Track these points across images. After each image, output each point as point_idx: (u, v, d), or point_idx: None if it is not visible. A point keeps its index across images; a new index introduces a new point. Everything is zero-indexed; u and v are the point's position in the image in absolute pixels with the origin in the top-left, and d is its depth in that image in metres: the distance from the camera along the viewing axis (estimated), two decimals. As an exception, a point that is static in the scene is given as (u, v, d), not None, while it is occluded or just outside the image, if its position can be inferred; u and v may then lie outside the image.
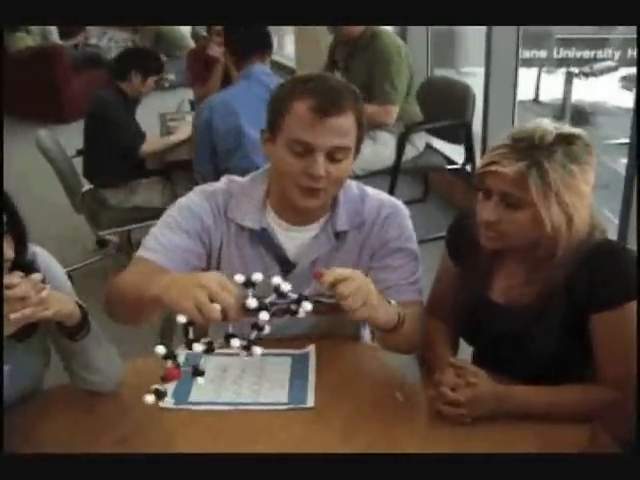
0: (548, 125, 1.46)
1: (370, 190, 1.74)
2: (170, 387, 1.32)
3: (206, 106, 3.22)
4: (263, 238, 1.68)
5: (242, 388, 1.57)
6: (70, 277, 3.51)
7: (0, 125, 5.39)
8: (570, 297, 1.49)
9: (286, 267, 1.69)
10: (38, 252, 1.50)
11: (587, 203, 1.47)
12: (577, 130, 1.48)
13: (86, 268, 3.96)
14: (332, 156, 1.53)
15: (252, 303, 1.27)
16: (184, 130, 3.80)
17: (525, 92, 5.61)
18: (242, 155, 3.09)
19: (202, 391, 1.54)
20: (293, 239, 1.69)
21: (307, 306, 1.32)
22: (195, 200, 1.69)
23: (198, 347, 1.26)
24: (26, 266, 1.41)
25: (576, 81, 6.03)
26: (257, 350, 1.29)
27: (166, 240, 1.63)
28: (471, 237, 1.57)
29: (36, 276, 1.33)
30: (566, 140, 1.44)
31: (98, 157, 3.78)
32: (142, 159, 3.82)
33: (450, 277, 1.71)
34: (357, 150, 1.60)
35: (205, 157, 3.23)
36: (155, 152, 3.81)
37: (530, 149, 1.42)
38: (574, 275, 1.48)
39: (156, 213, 3.70)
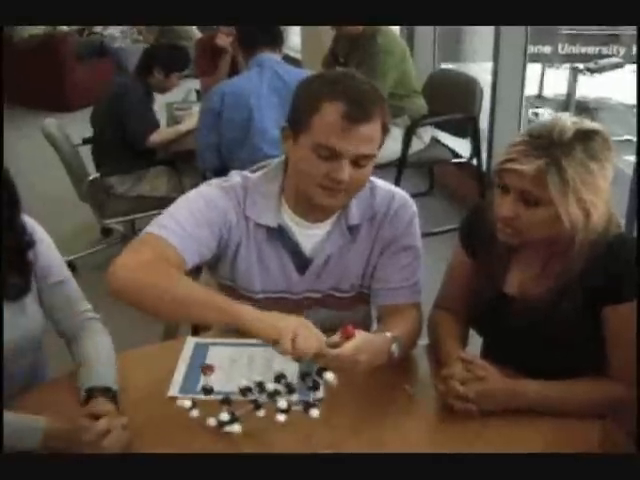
0: (567, 121, 1.45)
1: (379, 182, 1.74)
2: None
3: (216, 93, 3.19)
4: (280, 235, 1.67)
5: (250, 379, 1.56)
6: (74, 266, 3.51)
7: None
8: (584, 290, 1.49)
9: (302, 264, 1.69)
10: (26, 219, 1.59)
11: (605, 198, 1.47)
12: (596, 125, 1.47)
13: (90, 257, 3.95)
14: (357, 162, 1.52)
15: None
16: (192, 120, 3.80)
17: (529, 87, 5.61)
18: (251, 145, 3.07)
19: (210, 382, 1.54)
20: (308, 236, 1.69)
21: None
22: (220, 194, 1.64)
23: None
24: (20, 227, 1.55)
25: (580, 77, 6.01)
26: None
27: (190, 229, 1.56)
28: (486, 230, 1.57)
29: None
30: (585, 136, 1.43)
31: (110, 144, 3.78)
32: (152, 149, 3.83)
33: (463, 270, 1.70)
34: (377, 153, 1.59)
35: (210, 145, 3.22)
36: (164, 142, 3.83)
37: (549, 146, 1.41)
38: (589, 268, 1.48)
39: (161, 203, 3.70)
